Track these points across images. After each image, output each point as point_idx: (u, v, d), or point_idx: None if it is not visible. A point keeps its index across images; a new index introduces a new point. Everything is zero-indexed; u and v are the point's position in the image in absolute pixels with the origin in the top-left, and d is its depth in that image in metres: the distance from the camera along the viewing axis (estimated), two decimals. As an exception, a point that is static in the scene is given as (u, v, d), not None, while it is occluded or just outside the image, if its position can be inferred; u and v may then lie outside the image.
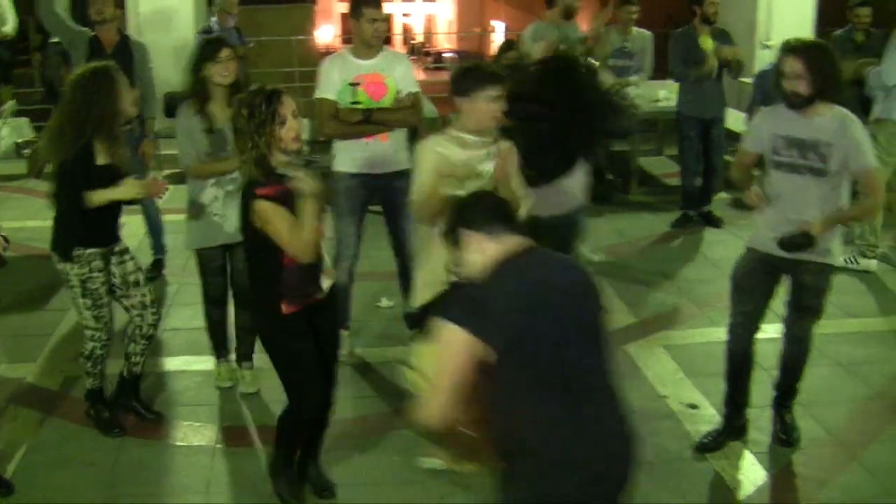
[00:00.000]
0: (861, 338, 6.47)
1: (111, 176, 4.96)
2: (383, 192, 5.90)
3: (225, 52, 5.30)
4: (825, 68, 4.64)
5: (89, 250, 5.03)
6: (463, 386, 2.96)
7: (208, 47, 5.36)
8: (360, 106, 5.73)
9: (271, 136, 4.07)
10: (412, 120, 5.90)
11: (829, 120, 4.68)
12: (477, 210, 3.27)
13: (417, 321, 4.65)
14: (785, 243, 4.74)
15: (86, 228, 5.01)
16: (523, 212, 4.52)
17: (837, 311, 6.78)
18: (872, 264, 7.68)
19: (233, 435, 5.31)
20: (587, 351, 3.09)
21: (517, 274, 3.06)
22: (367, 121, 5.72)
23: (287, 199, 4.09)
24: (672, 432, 5.26)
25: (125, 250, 5.24)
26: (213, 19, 10.20)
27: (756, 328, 5.07)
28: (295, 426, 4.53)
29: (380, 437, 5.24)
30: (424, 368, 3.17)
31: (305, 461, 4.68)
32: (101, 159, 4.94)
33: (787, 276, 4.96)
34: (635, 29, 9.61)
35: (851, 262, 7.57)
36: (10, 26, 10.30)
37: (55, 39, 7.71)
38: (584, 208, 6.00)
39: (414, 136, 5.94)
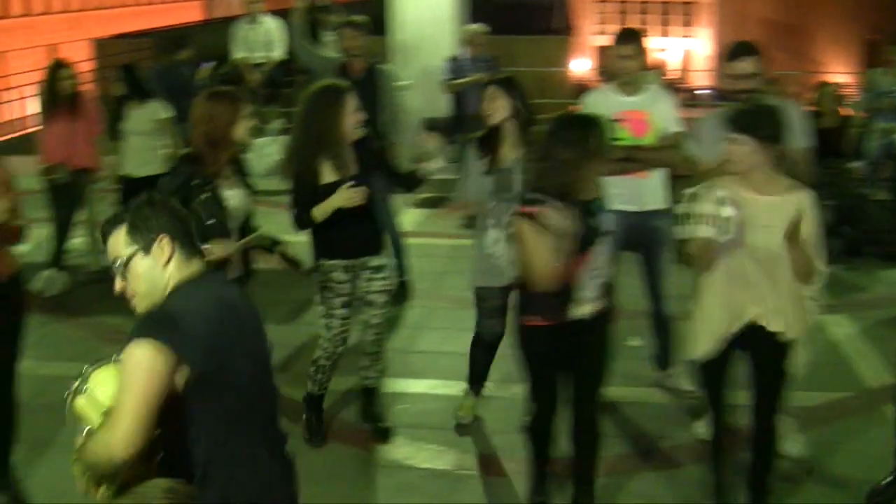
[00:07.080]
0: None
1: (334, 191, 4.96)
2: (641, 230, 5.74)
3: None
4: None
5: (331, 261, 5.17)
6: (153, 411, 2.71)
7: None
8: (620, 143, 5.67)
9: None
10: (673, 159, 5.69)
11: None
12: (170, 217, 2.96)
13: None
14: None
15: (326, 241, 5.16)
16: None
17: None
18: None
19: (487, 463, 5.35)
20: (268, 387, 3.06)
21: (205, 294, 2.90)
22: (627, 159, 5.59)
23: None
24: None
25: (381, 267, 5.31)
26: (463, 49, 10.55)
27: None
28: None
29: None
30: (101, 395, 2.84)
31: None
32: (326, 177, 4.97)
33: None
34: None
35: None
36: (279, 52, 11.14)
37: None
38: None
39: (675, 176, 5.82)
